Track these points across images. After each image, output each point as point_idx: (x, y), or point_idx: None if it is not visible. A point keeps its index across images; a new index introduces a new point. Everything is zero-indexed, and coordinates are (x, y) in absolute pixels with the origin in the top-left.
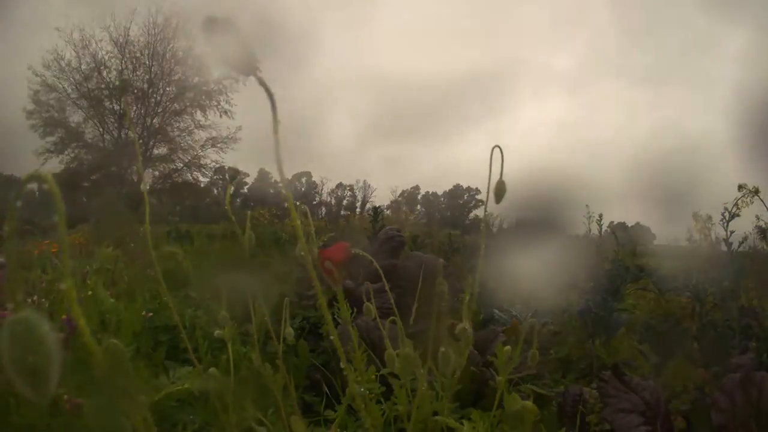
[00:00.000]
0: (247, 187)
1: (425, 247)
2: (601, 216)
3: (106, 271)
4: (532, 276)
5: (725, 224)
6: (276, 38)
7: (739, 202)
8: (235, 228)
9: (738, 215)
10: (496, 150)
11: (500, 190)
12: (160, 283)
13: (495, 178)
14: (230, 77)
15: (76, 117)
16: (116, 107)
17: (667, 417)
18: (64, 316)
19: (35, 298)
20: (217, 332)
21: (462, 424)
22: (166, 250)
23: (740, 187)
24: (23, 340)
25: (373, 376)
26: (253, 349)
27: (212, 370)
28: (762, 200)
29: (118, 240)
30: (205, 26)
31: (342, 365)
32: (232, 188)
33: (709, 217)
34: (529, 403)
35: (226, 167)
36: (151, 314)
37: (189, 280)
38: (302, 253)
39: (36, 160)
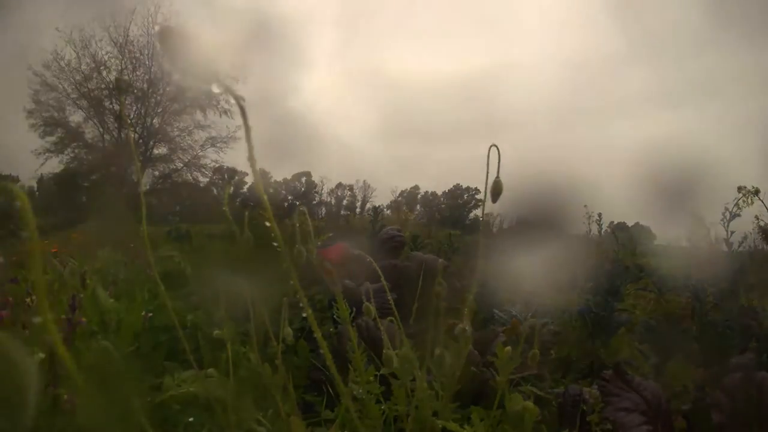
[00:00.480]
0: (246, 186)
1: (425, 247)
2: (600, 216)
3: (106, 271)
4: (532, 275)
5: (726, 224)
6: (276, 38)
7: (740, 202)
8: (234, 228)
9: (739, 215)
10: (494, 149)
11: (496, 190)
12: (158, 285)
13: (492, 178)
14: (229, 78)
15: (76, 117)
16: (116, 107)
17: (669, 416)
18: (63, 316)
19: (34, 298)
20: (216, 332)
21: (462, 426)
22: (164, 253)
23: (739, 189)
24: None
25: (372, 377)
26: (252, 350)
27: (211, 370)
28: (762, 201)
29: (118, 241)
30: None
31: (332, 373)
32: (231, 188)
33: (701, 219)
34: (530, 404)
35: (223, 167)
36: (150, 314)
37: (188, 281)
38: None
39: (36, 160)
